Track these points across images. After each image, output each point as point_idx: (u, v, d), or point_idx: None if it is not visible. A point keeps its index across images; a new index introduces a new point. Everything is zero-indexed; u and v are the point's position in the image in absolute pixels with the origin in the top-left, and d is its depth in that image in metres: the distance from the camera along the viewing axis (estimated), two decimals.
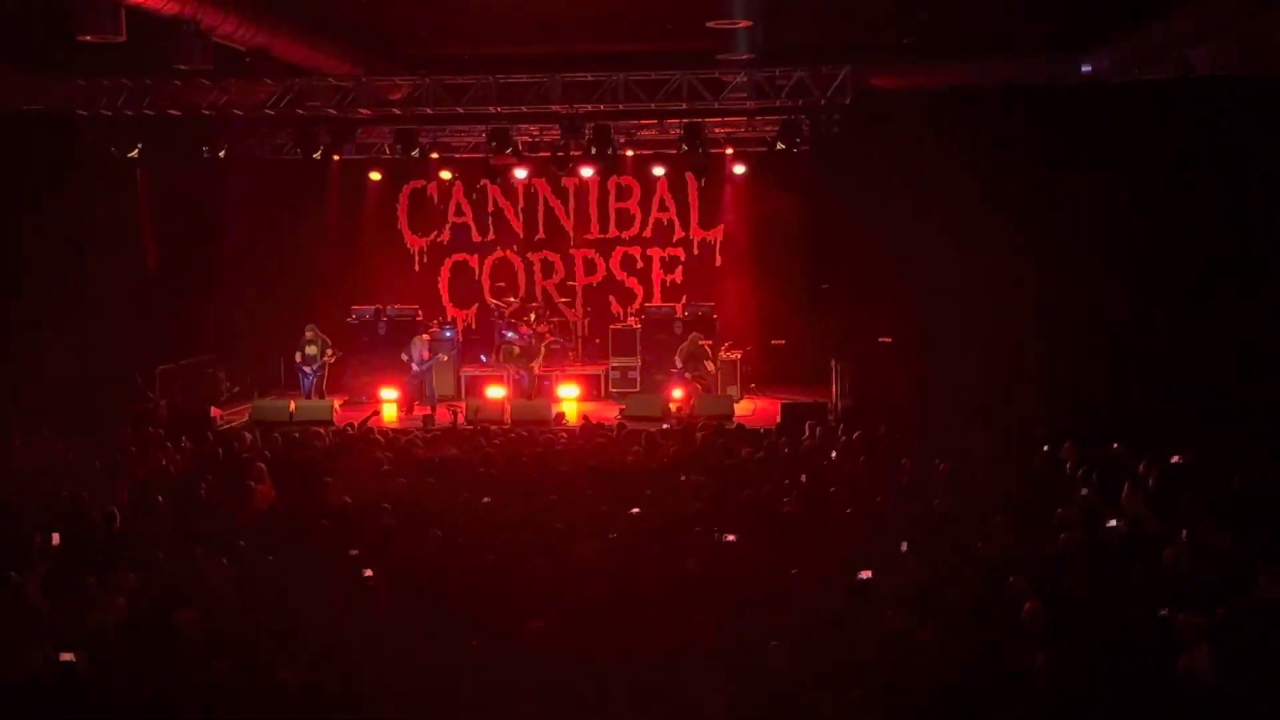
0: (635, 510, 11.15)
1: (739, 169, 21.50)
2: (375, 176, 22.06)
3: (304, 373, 19.77)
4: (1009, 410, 14.32)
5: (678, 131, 19.64)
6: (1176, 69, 19.10)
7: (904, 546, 9.80)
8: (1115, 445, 12.75)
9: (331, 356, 19.85)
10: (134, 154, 19.39)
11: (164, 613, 8.62)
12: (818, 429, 15.42)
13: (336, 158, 20.75)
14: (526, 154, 20.77)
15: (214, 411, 18.29)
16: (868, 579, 9.13)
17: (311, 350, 19.69)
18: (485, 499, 11.74)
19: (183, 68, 15.98)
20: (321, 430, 16.31)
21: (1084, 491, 11.42)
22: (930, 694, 7.05)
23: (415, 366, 19.61)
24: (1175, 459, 12.19)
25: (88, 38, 13.57)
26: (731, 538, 10.23)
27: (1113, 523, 10.32)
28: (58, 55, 16.56)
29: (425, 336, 20.11)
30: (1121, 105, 17.60)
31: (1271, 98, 16.39)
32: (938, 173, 16.10)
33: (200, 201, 21.03)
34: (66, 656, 7.90)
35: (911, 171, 16.41)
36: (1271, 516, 10.12)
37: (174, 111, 18.73)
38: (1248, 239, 16.38)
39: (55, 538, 10.37)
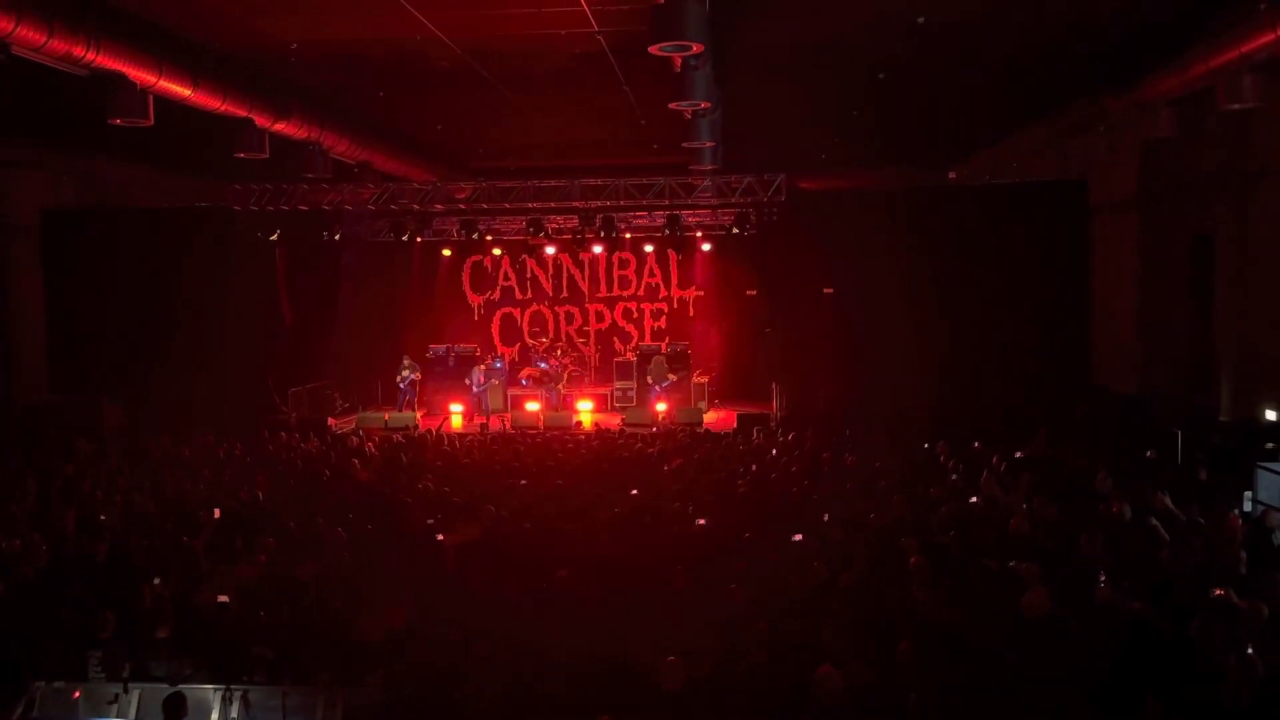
0: (634, 491, 11.09)
1: (706, 246, 21.54)
2: (446, 253, 22.12)
3: (401, 390, 19.81)
4: (900, 419, 14.25)
5: (662, 220, 19.70)
6: (1016, 175, 19.28)
7: (825, 517, 9.77)
8: (976, 444, 12.73)
9: (417, 374, 19.93)
10: (274, 237, 19.39)
11: (293, 566, 8.57)
12: (762, 432, 15.39)
13: (419, 240, 20.71)
14: (554, 236, 20.82)
15: (330, 421, 18.24)
16: (799, 540, 9.09)
17: (406, 372, 19.80)
18: (522, 482, 11.68)
19: (309, 175, 16.07)
20: (407, 434, 16.27)
21: (954, 477, 11.39)
22: (847, 622, 6.99)
23: (475, 389, 19.59)
24: (1018, 454, 12.18)
25: (241, 154, 13.65)
26: (702, 522, 9.89)
27: (974, 499, 10.29)
28: (220, 166, 16.64)
29: (482, 366, 20.06)
30: (976, 201, 17.77)
31: (1079, 194, 16.56)
32: (848, 249, 16.18)
33: (321, 271, 21.03)
34: (222, 598, 7.86)
35: (829, 248, 16.52)
36: (1087, 494, 10.10)
37: (303, 207, 18.76)
38: (1074, 300, 16.46)
39: (216, 512, 10.31)
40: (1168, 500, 9.14)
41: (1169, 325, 15.55)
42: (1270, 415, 13.13)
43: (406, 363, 19.94)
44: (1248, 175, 13.33)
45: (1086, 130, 15.66)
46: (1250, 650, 5.85)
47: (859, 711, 5.86)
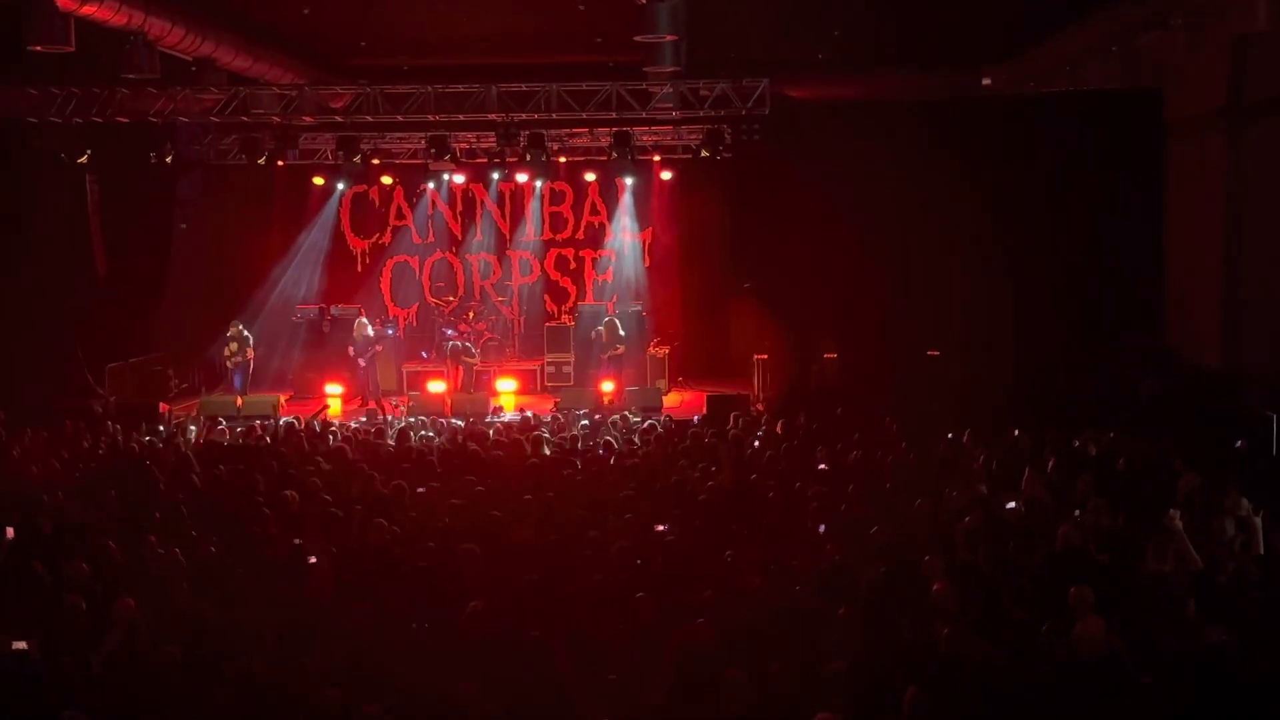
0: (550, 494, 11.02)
1: (666, 174, 21.52)
2: (318, 181, 21.76)
3: (229, 370, 19.41)
4: (916, 402, 14.37)
5: (608, 139, 19.63)
6: (1070, 82, 19.43)
7: (821, 529, 9.87)
8: (1015, 432, 12.88)
9: (250, 351, 19.42)
10: (83, 160, 18.99)
11: (112, 601, 8.46)
12: (741, 419, 15.47)
13: (280, 163, 20.41)
14: (464, 160, 20.65)
15: (162, 407, 17.97)
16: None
17: (234, 346, 19.22)
18: (420, 489, 11.61)
19: (130, 76, 15.75)
20: (264, 424, 16.11)
21: (983, 477, 11.50)
22: (842, 667, 7.08)
23: (362, 362, 19.36)
24: (1075, 442, 12.38)
25: (38, 47, 13.32)
26: (661, 528, 10.03)
27: (1011, 504, 10.45)
28: (8, 64, 16.21)
29: (365, 320, 19.81)
30: (1017, 116, 17.87)
31: (1150, 108, 16.72)
32: (851, 177, 16.21)
33: (148, 206, 20.65)
34: (19, 645, 7.74)
35: (827, 177, 16.54)
36: (1161, 497, 10.26)
37: (121, 119, 18.38)
38: (1142, 246, 16.63)
39: (9, 532, 10.12)
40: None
41: (1263, 280, 15.86)
42: None
43: (233, 331, 19.27)
44: None
45: (1160, 24, 15.84)
46: None
47: None
